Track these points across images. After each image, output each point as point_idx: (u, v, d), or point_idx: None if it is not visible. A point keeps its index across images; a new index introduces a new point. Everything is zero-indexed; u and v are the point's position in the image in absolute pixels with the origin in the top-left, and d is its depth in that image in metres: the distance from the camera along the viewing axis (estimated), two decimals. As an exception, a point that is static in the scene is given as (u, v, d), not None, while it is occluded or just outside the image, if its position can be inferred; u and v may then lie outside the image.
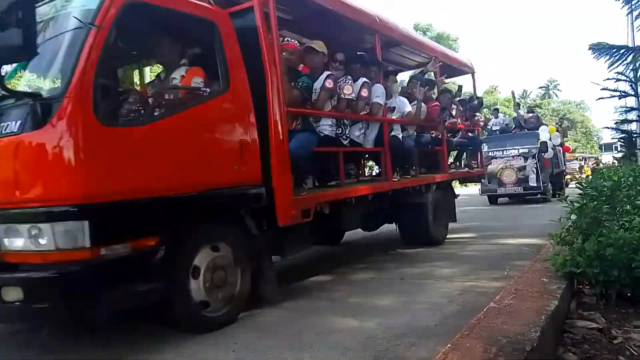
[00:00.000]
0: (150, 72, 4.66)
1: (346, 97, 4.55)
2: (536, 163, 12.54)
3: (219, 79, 3.33)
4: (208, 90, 3.28)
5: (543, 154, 12.80)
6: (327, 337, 2.92)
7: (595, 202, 4.04)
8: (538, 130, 13.86)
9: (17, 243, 2.56)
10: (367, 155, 6.19)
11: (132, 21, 2.90)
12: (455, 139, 7.60)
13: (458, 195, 7.54)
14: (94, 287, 2.55)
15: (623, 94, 5.98)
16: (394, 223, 6.36)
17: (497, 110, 19.63)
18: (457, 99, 8.01)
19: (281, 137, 3.52)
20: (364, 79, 4.86)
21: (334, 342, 2.82)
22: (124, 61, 3.92)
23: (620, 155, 9.99)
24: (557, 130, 16.10)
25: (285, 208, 3.48)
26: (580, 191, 4.61)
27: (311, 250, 6.51)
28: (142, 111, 3.00)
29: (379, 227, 6.53)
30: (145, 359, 2.81)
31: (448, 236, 7.65)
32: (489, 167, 12.16)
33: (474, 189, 15.46)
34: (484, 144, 10.22)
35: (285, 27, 4.58)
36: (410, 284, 4.33)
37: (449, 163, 7.40)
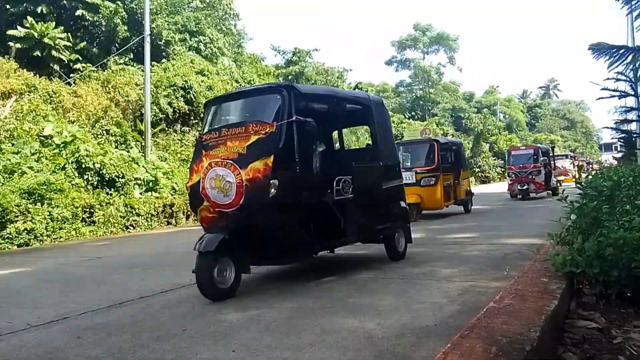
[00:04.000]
0: None
1: None
2: None
3: None
4: None
5: None
6: (327, 337, 2.93)
7: (595, 202, 4.04)
8: None
9: None
10: None
11: None
12: None
13: None
14: None
15: (623, 94, 5.96)
16: None
17: None
18: None
19: None
20: None
21: (334, 342, 2.83)
22: None
23: (620, 155, 9.98)
24: None
25: None
26: (580, 191, 4.61)
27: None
28: None
29: None
30: (146, 358, 2.82)
31: (448, 236, 7.66)
32: None
33: (473, 188, 15.43)
34: None
35: None
36: (410, 284, 4.33)
37: None
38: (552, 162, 18.00)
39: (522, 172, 16.34)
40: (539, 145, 19.28)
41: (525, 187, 16.16)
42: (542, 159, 16.40)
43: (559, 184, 19.02)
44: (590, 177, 5.02)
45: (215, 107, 5.02)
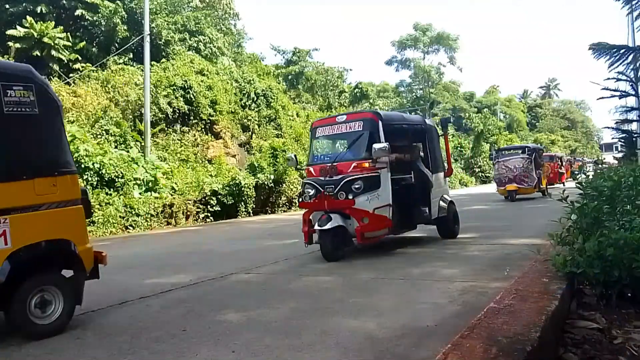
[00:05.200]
0: None
1: None
2: None
3: None
4: None
5: None
6: (327, 337, 2.92)
7: (596, 202, 4.04)
8: None
9: None
10: None
11: None
12: None
13: None
14: None
15: (623, 93, 5.98)
16: None
17: None
18: None
19: None
20: None
21: (334, 343, 2.82)
22: None
23: (620, 155, 9.99)
24: None
25: None
26: (581, 191, 4.61)
27: (311, 251, 6.51)
28: None
29: None
30: (145, 359, 2.81)
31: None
32: None
33: (472, 189, 15.43)
34: None
35: None
36: (410, 284, 4.33)
37: None
38: (436, 158, 7.60)
39: (326, 183, 6.12)
40: (381, 112, 6.75)
41: (329, 224, 5.88)
42: (380, 147, 5.86)
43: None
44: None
45: None
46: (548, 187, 19.79)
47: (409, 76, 57.55)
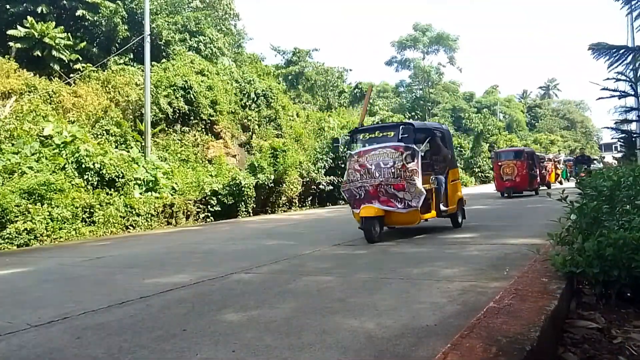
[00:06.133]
0: None
1: None
2: None
3: None
4: None
5: None
6: (327, 337, 2.92)
7: (595, 202, 4.05)
8: None
9: None
10: None
11: None
12: None
13: None
14: None
15: (623, 94, 5.99)
16: None
17: None
18: None
19: None
20: None
21: (334, 342, 2.83)
22: None
23: (620, 155, 10.02)
24: None
25: None
26: (580, 191, 4.62)
27: (311, 251, 6.53)
28: None
29: None
30: (146, 358, 2.82)
31: (448, 236, 7.66)
32: None
33: (472, 188, 15.42)
34: None
35: None
36: (410, 284, 4.33)
37: None
38: None
39: None
40: None
41: None
42: None
43: None
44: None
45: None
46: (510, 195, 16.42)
47: (408, 76, 57.70)
